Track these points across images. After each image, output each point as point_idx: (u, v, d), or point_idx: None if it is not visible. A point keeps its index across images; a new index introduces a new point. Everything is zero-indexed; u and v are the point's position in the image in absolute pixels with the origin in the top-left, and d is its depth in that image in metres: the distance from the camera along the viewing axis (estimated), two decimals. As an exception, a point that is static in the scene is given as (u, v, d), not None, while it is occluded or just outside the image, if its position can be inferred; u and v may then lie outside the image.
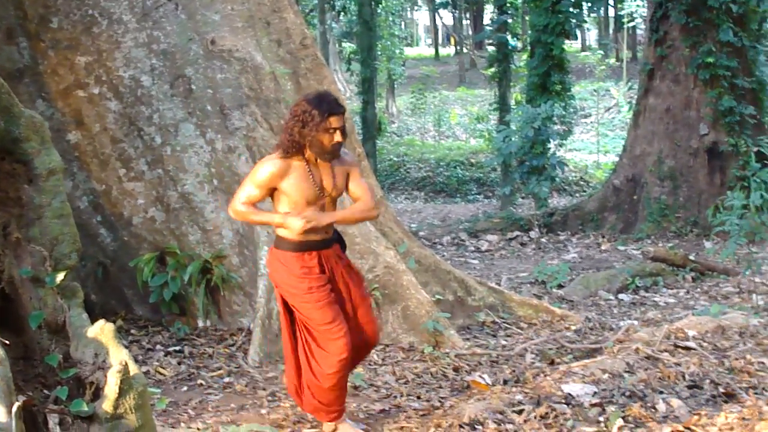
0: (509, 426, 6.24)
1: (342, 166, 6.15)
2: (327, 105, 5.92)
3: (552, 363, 7.99)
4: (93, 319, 4.27)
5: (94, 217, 9.21)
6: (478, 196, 27.03)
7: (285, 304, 6.20)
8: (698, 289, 12.45)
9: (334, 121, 5.87)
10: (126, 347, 4.16)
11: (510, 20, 28.03)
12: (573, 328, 9.61)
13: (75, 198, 9.02)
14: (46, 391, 4.11)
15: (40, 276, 4.29)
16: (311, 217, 5.92)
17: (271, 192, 5.98)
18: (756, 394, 6.85)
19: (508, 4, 26.85)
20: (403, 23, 62.90)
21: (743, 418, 6.13)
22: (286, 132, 5.93)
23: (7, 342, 3.97)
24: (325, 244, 6.13)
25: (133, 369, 3.94)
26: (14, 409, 3.65)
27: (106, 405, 3.89)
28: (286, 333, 6.25)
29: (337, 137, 5.90)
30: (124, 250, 9.23)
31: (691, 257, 13.66)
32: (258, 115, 9.09)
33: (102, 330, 4.10)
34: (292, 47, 9.76)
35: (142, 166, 9.12)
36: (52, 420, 3.89)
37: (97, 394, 4.00)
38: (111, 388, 3.89)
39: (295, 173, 5.93)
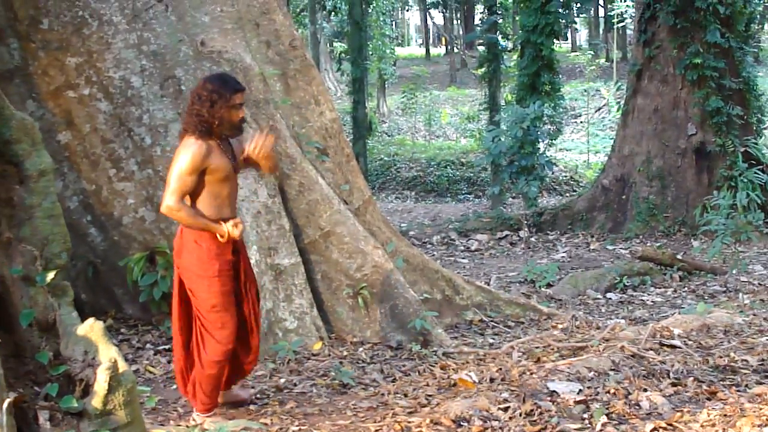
0: (495, 423, 6.30)
1: (238, 143, 6.57)
2: (232, 83, 6.38)
3: (538, 361, 8.06)
4: (83, 318, 4.32)
5: (84, 217, 9.25)
6: (468, 196, 27.06)
7: (181, 289, 6.51)
8: (685, 288, 12.54)
9: (238, 98, 6.32)
10: (115, 345, 4.22)
11: (500, 20, 28.16)
12: (560, 326, 9.68)
13: (65, 198, 9.07)
14: (36, 388, 4.16)
15: (30, 275, 4.34)
16: (238, 221, 6.42)
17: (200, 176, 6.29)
18: (738, 391, 6.93)
19: (499, 5, 26.95)
20: (394, 23, 62.90)
21: (725, 415, 6.21)
22: (194, 114, 6.28)
23: (-2, 340, 4.03)
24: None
25: (122, 366, 4.01)
26: (5, 405, 3.71)
27: (96, 401, 3.96)
28: (179, 318, 6.54)
29: (242, 113, 6.38)
30: (114, 249, 9.28)
31: (679, 256, 13.76)
32: (247, 116, 9.14)
33: (91, 328, 4.16)
34: (281, 48, 9.82)
35: (132, 167, 9.17)
36: (43, 416, 3.95)
37: (87, 390, 4.05)
38: (100, 385, 3.95)
39: (214, 152, 6.30)
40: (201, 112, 6.23)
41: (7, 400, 3.75)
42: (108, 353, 4.05)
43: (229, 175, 6.39)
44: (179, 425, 6.45)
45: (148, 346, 8.71)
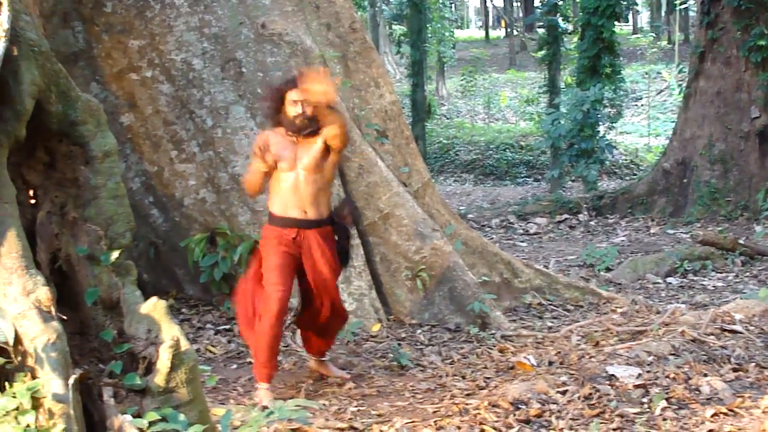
0: (553, 406, 6.30)
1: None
2: (290, 80, 6.91)
3: (597, 345, 8.03)
4: (145, 298, 4.37)
5: (146, 198, 9.35)
6: (527, 179, 26.93)
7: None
8: (747, 273, 12.42)
9: (293, 94, 6.75)
10: (177, 324, 4.27)
11: (560, 2, 27.89)
12: (619, 310, 9.63)
13: (127, 179, 9.17)
14: (101, 365, 4.21)
15: (95, 254, 4.40)
16: None
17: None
18: (801, 377, 6.87)
19: (559, -13, 26.69)
20: (453, 5, 62.66)
21: (787, 401, 6.16)
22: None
23: (65, 317, 4.08)
24: None
25: (184, 345, 4.05)
26: (71, 381, 3.78)
27: (158, 379, 4.01)
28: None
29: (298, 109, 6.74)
30: (175, 230, 9.37)
31: (741, 241, 13.61)
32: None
33: (154, 307, 4.21)
34: (341, 31, 9.85)
35: (194, 148, 9.24)
36: (107, 393, 4.01)
37: (150, 368, 4.10)
38: (163, 363, 4.00)
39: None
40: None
41: (73, 377, 3.81)
42: (170, 332, 4.10)
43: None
44: (239, 404, 6.52)
45: (208, 326, 8.79)
